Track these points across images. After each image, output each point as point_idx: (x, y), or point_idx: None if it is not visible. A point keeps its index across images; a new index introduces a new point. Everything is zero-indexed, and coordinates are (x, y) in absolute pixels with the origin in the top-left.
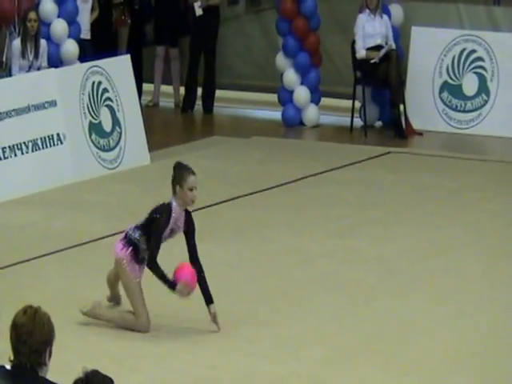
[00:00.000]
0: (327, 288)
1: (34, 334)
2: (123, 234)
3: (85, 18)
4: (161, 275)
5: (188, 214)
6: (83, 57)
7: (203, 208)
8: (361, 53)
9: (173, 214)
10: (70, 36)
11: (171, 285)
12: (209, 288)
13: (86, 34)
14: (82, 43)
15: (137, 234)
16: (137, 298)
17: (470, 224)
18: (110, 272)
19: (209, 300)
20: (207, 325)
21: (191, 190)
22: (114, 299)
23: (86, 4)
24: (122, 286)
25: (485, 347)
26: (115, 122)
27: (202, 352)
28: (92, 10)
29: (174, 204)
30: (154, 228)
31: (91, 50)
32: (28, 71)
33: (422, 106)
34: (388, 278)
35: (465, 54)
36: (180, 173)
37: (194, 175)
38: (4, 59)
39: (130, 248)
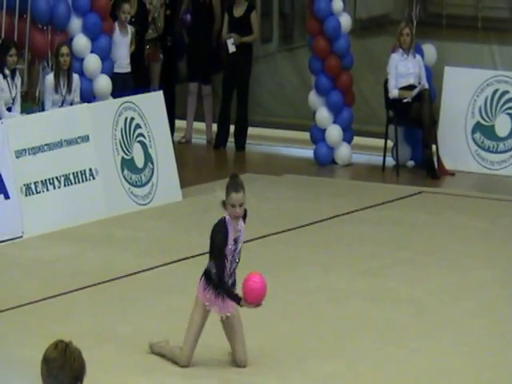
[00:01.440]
0: (358, 327)
1: (64, 369)
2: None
3: (125, 52)
4: (227, 292)
5: (245, 213)
6: (125, 90)
7: None
8: (393, 92)
9: (228, 227)
10: (103, 71)
11: (238, 301)
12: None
13: (126, 67)
14: (123, 76)
15: (212, 267)
16: (192, 331)
17: (501, 265)
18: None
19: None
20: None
21: (233, 206)
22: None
23: (125, 38)
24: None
25: None
26: (147, 158)
27: None
28: (130, 44)
29: (227, 218)
30: (214, 248)
31: (133, 83)
32: (61, 106)
33: (455, 146)
34: (419, 319)
35: (497, 94)
36: (227, 187)
37: (237, 192)
38: (37, 94)
39: (210, 287)
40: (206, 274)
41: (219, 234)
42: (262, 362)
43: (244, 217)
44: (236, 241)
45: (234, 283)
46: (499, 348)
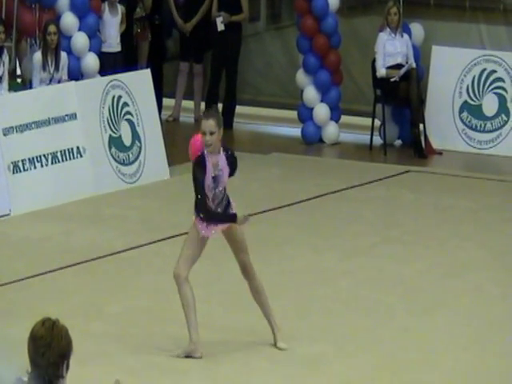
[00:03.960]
0: (347, 306)
1: (51, 347)
2: None
3: (114, 31)
4: (218, 216)
5: (230, 155)
6: (115, 69)
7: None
8: (381, 71)
9: (206, 161)
10: (90, 49)
11: (233, 218)
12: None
13: (116, 47)
14: (113, 56)
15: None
16: (189, 245)
17: (488, 244)
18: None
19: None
20: (227, 344)
21: (204, 134)
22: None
23: (114, 18)
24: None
25: (506, 368)
26: (135, 136)
27: (220, 369)
28: (121, 23)
29: (205, 151)
30: (193, 181)
31: (122, 62)
32: (49, 84)
33: (442, 125)
34: (407, 298)
35: (485, 74)
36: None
37: (206, 119)
38: (21, 72)
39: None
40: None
41: (196, 166)
42: (250, 341)
43: (230, 162)
44: (215, 179)
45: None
46: (487, 326)
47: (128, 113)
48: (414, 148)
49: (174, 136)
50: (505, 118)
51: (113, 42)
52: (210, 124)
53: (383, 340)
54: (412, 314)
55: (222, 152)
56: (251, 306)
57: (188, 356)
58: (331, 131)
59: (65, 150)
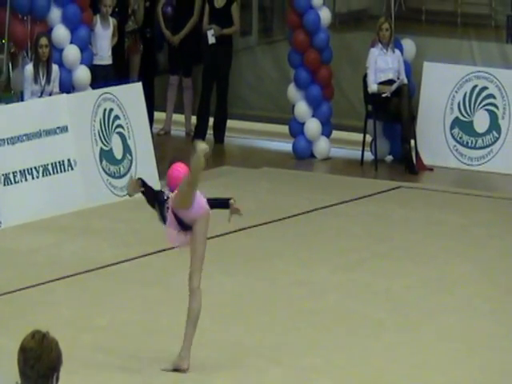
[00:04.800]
0: (335, 321)
1: (41, 359)
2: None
3: (106, 44)
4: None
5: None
6: (106, 82)
7: (212, 238)
8: (372, 87)
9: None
10: (82, 62)
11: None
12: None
13: (107, 60)
14: (104, 68)
15: None
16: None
17: (478, 260)
18: None
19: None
20: (217, 357)
21: None
22: None
23: (106, 30)
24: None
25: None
26: (126, 149)
27: (209, 382)
28: (113, 36)
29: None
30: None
31: (114, 75)
32: (40, 96)
33: (433, 141)
34: (396, 313)
35: (476, 90)
36: None
37: None
38: (11, 84)
39: None
40: None
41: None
42: (239, 355)
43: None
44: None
45: None
46: (475, 342)
47: (119, 126)
48: (405, 164)
49: (165, 149)
50: (496, 135)
51: (104, 54)
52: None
53: (372, 354)
54: (401, 329)
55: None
56: (241, 319)
57: (176, 369)
58: (322, 146)
59: (56, 163)
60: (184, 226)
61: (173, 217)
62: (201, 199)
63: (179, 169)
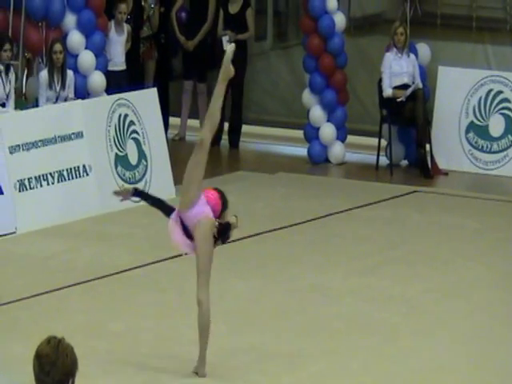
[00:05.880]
0: (350, 326)
1: (57, 365)
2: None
3: (120, 50)
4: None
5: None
6: (120, 88)
7: (227, 243)
8: (387, 91)
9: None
10: (97, 68)
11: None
12: None
13: (121, 65)
14: (118, 74)
15: None
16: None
17: (493, 264)
18: None
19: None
20: (231, 363)
21: None
22: None
23: (120, 36)
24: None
25: None
26: (141, 154)
27: None
28: (126, 42)
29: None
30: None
31: (128, 81)
32: (55, 102)
33: (448, 145)
34: (411, 317)
35: (491, 94)
36: None
37: None
38: (25, 90)
39: None
40: None
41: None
42: (253, 359)
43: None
44: None
45: None
46: (491, 346)
47: (134, 131)
48: (420, 168)
49: (180, 154)
50: (511, 139)
51: (118, 60)
52: None
53: (387, 359)
54: (416, 334)
55: None
56: (255, 324)
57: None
58: (337, 151)
59: (71, 169)
60: (189, 234)
61: (179, 222)
62: (206, 207)
63: (210, 195)
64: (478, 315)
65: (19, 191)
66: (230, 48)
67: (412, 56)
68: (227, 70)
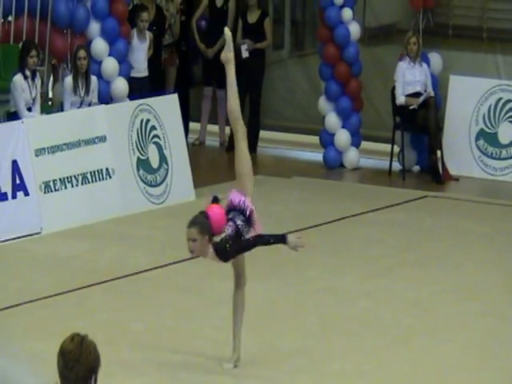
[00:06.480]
0: (364, 327)
1: (80, 361)
2: None
3: (142, 57)
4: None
5: (214, 244)
6: (142, 94)
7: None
8: (400, 99)
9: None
10: (120, 74)
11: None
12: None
13: (143, 72)
14: (140, 81)
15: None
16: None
17: (504, 268)
18: None
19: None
20: (251, 361)
21: (187, 240)
22: None
23: (142, 44)
24: None
25: None
26: (162, 158)
27: None
28: (148, 49)
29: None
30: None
31: (150, 88)
32: (79, 107)
33: (459, 152)
34: (424, 319)
35: (501, 103)
36: None
37: (188, 227)
38: (52, 95)
39: None
40: None
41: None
42: (270, 359)
43: (215, 249)
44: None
45: None
46: (503, 349)
47: (156, 136)
48: (432, 174)
49: (200, 159)
50: None
51: (140, 67)
52: (190, 232)
53: (400, 359)
54: (428, 335)
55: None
56: (271, 324)
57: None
58: (352, 156)
59: (94, 171)
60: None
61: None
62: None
63: (215, 210)
64: (489, 317)
65: (44, 193)
66: (227, 31)
67: (424, 65)
68: (224, 52)
